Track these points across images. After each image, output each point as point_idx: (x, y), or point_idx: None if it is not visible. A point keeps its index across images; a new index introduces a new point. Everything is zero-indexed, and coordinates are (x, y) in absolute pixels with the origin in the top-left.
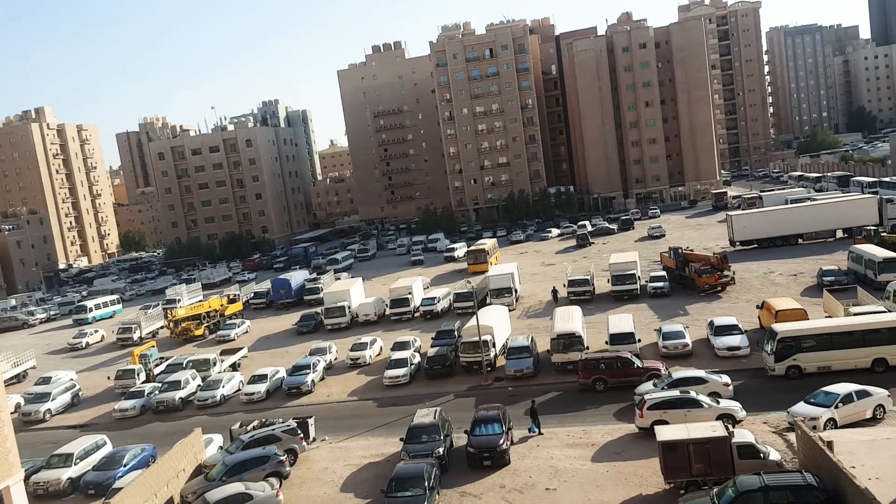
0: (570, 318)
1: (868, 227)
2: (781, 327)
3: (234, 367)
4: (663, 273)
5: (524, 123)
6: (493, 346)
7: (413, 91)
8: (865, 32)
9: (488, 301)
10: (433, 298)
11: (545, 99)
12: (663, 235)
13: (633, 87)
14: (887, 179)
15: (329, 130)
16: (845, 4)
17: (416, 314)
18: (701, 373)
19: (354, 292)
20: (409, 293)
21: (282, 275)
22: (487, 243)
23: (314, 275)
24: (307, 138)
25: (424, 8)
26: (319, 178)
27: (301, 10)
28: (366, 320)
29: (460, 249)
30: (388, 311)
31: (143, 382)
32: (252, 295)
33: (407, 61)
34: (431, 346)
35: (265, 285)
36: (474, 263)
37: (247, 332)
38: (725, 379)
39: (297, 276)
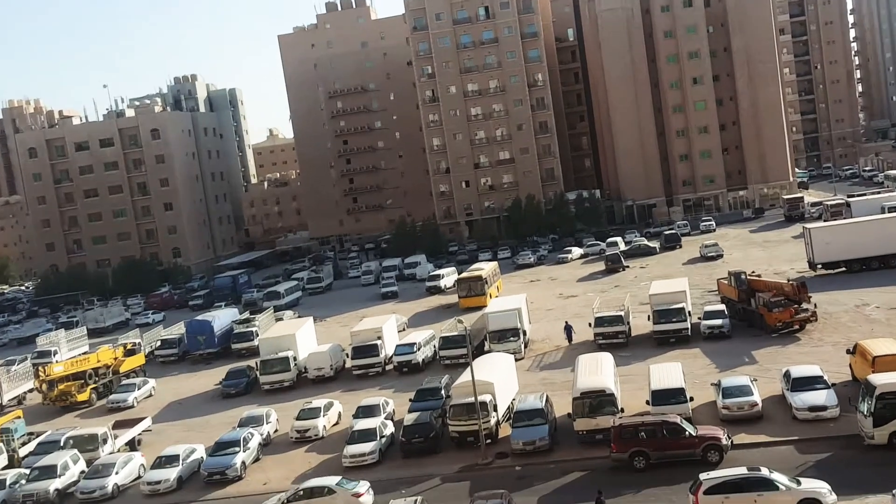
0: (598, 370)
1: None
2: (882, 379)
3: (133, 444)
4: (722, 307)
5: (533, 107)
6: (495, 409)
7: (382, 63)
8: None
9: (487, 347)
10: (411, 345)
11: (560, 74)
12: (721, 256)
13: (676, 58)
14: None
15: (267, 116)
16: None
17: (389, 367)
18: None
19: (302, 338)
20: (379, 338)
21: (201, 315)
22: (485, 268)
23: (246, 314)
24: (237, 127)
25: None
26: (254, 181)
27: None
28: (318, 376)
29: (448, 277)
30: (349, 364)
31: (4, 468)
32: (159, 344)
33: (374, 23)
34: (409, 412)
35: (177, 330)
36: (468, 296)
37: (150, 395)
38: None
39: (221, 317)
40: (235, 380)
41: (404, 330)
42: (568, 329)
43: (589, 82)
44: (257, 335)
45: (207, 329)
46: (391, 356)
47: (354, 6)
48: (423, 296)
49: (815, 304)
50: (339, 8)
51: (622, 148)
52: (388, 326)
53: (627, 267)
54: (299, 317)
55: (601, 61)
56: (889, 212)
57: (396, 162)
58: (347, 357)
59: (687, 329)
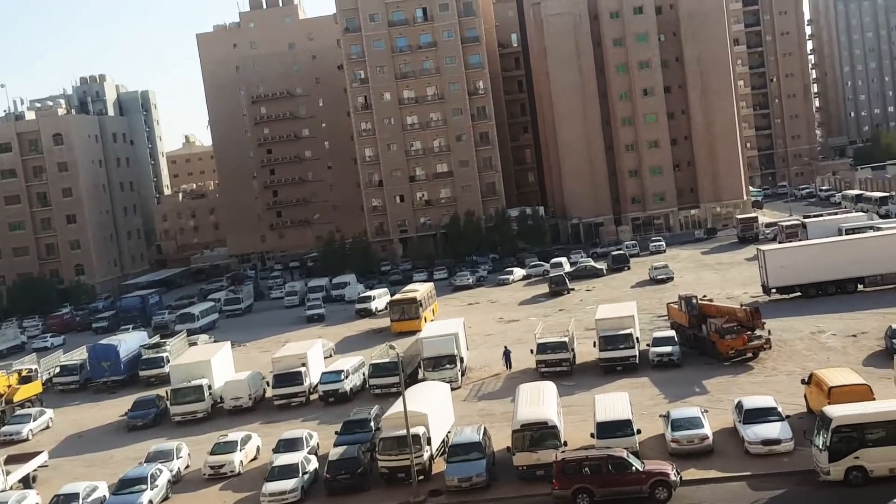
0: (539, 400)
1: None
2: (838, 411)
3: (28, 481)
4: (671, 333)
5: (473, 116)
6: (429, 442)
7: (311, 67)
8: None
9: (421, 375)
10: (338, 373)
11: (503, 82)
12: (671, 279)
13: (625, 67)
14: None
15: (184, 122)
16: None
17: (313, 396)
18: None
19: (218, 364)
20: (303, 365)
21: (105, 339)
22: (420, 290)
23: (156, 338)
24: (150, 133)
25: None
26: (168, 192)
27: None
28: (235, 407)
29: (380, 299)
30: (269, 393)
31: None
32: (58, 370)
33: (302, 23)
34: (335, 445)
35: (79, 355)
36: (401, 320)
37: (48, 427)
38: None
39: (129, 341)
40: (143, 410)
41: (331, 356)
42: (506, 354)
43: (533, 91)
44: (168, 361)
45: (112, 354)
46: (316, 385)
47: (281, 4)
48: (352, 319)
49: (769, 331)
50: (265, 6)
51: (568, 162)
52: (314, 352)
53: (572, 290)
54: (215, 341)
55: (547, 69)
56: (847, 234)
57: (325, 173)
58: (268, 385)
59: (635, 357)
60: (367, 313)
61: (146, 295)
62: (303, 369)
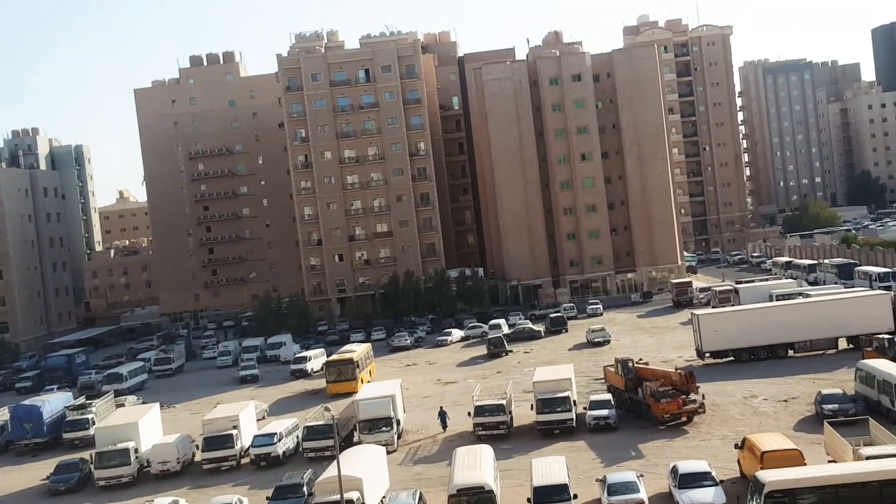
0: (476, 464)
1: (880, 335)
2: (769, 476)
3: None
4: (608, 397)
5: (414, 177)
6: None
7: (251, 124)
8: (868, 73)
9: (357, 438)
10: (271, 435)
11: (444, 144)
12: (608, 342)
13: (564, 132)
14: None
15: (118, 177)
16: (841, 38)
17: (245, 460)
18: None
19: (146, 427)
20: (234, 427)
21: (28, 399)
22: (357, 350)
23: (81, 399)
24: (82, 188)
25: (270, 7)
26: (99, 248)
27: None
28: (163, 471)
29: (316, 360)
30: (199, 456)
31: None
32: None
33: (243, 80)
34: None
35: (0, 416)
36: (337, 381)
37: None
38: None
39: (53, 402)
40: (66, 474)
41: (264, 418)
42: (442, 415)
43: (474, 154)
44: (94, 423)
45: (35, 415)
46: (248, 448)
47: (222, 62)
48: (287, 380)
49: (704, 395)
50: (205, 62)
51: (507, 224)
52: (246, 414)
53: (511, 351)
54: (144, 402)
55: (487, 133)
56: (777, 300)
57: (263, 231)
58: (197, 449)
59: (572, 420)
60: (303, 374)
61: (73, 354)
62: (234, 432)
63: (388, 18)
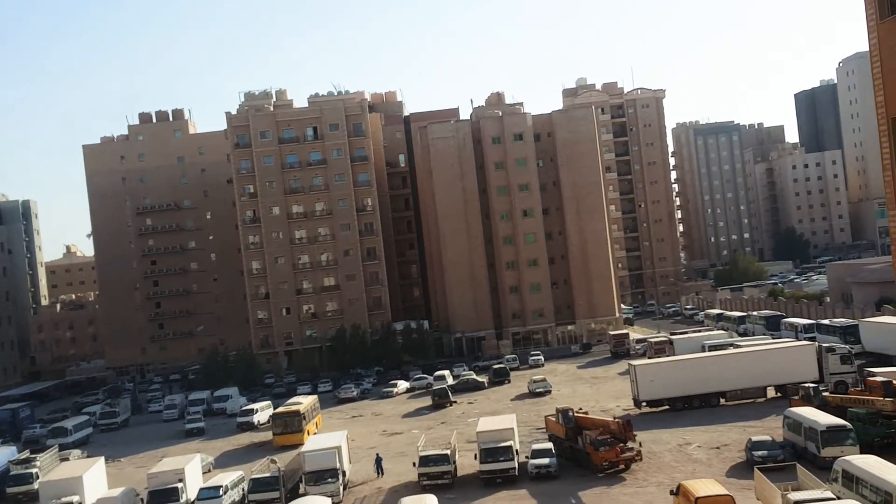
0: None
1: (806, 384)
2: None
3: None
4: (549, 445)
5: (361, 232)
6: None
7: (199, 180)
8: (792, 135)
9: (303, 490)
10: (217, 488)
11: (391, 200)
12: (549, 392)
13: (506, 189)
14: (826, 322)
15: (65, 232)
16: (766, 103)
17: None
18: None
19: (91, 481)
20: (180, 480)
21: None
22: (304, 402)
23: (26, 454)
24: (29, 242)
25: (219, 65)
26: (45, 302)
27: (31, 54)
28: None
29: (263, 412)
30: None
31: None
32: None
33: (192, 137)
34: None
35: None
36: (283, 433)
37: None
38: None
39: None
40: None
41: (210, 471)
42: (378, 462)
43: (420, 209)
44: (37, 477)
45: None
46: (193, 501)
47: (171, 119)
48: (233, 433)
49: (640, 443)
50: (154, 119)
51: (452, 278)
52: (192, 467)
53: (455, 402)
54: (88, 456)
55: (432, 189)
56: (709, 351)
57: (211, 285)
58: (143, 503)
59: (514, 468)
60: (249, 427)
61: (17, 408)
62: (179, 485)
63: (336, 78)
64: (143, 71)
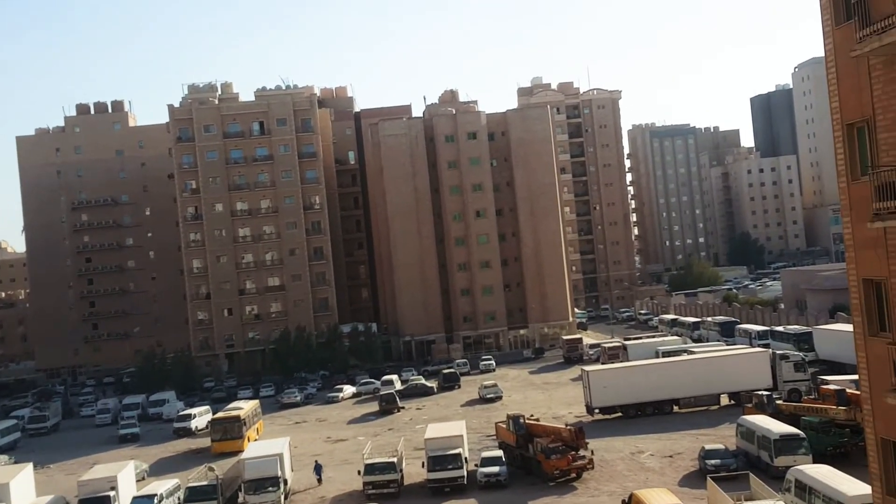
0: None
1: (760, 392)
2: None
3: None
4: (499, 453)
5: (308, 231)
6: None
7: (139, 174)
8: (747, 139)
9: (242, 499)
10: (151, 497)
11: (339, 198)
12: (500, 398)
13: (459, 189)
14: (780, 328)
15: None
16: (722, 106)
17: None
18: None
19: (18, 488)
20: (112, 488)
21: None
22: (244, 408)
23: None
24: None
25: (162, 56)
26: None
27: None
28: None
29: (201, 417)
30: None
31: None
32: None
33: (132, 130)
34: None
35: None
36: (222, 439)
37: None
38: None
39: None
40: None
41: (144, 479)
42: (318, 468)
43: (369, 208)
44: None
45: None
46: None
47: (111, 110)
48: (169, 439)
49: (593, 451)
50: (92, 111)
51: (402, 279)
52: (125, 475)
53: (403, 408)
54: (15, 462)
55: (383, 187)
56: (663, 357)
57: (148, 285)
58: None
59: (463, 477)
60: (187, 433)
61: None
62: (112, 493)
63: (284, 72)
64: (81, 61)
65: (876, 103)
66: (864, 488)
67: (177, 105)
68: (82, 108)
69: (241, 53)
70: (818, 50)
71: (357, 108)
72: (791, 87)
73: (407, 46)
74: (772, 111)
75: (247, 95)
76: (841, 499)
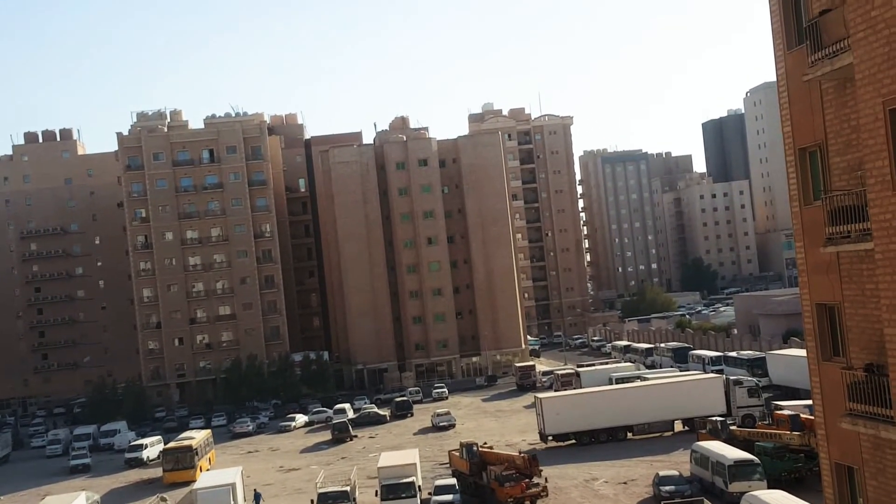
0: None
1: (714, 418)
2: None
3: None
4: (453, 481)
5: (259, 259)
6: None
7: (88, 203)
8: (699, 164)
9: None
10: None
11: (290, 226)
12: (453, 426)
13: (410, 216)
14: (733, 354)
15: None
16: (674, 132)
17: None
18: None
19: None
20: None
21: None
22: (196, 437)
23: None
24: None
25: (110, 84)
26: None
27: None
28: None
29: (152, 447)
30: None
31: None
32: None
33: (80, 158)
34: None
35: None
36: (174, 469)
37: None
38: None
39: None
40: None
41: None
42: (256, 497)
43: (321, 236)
44: None
45: None
46: None
47: (59, 138)
48: (121, 469)
49: (546, 479)
50: (41, 139)
51: (353, 307)
52: None
53: (356, 436)
54: None
55: (334, 215)
56: (616, 383)
57: (98, 314)
58: None
59: None
60: (138, 463)
61: None
62: None
63: (233, 99)
64: (28, 88)
65: (828, 127)
66: None
67: (125, 133)
68: (30, 137)
69: (190, 80)
70: (770, 75)
71: (307, 136)
72: (743, 111)
73: (357, 73)
74: (724, 136)
75: (196, 123)
76: None
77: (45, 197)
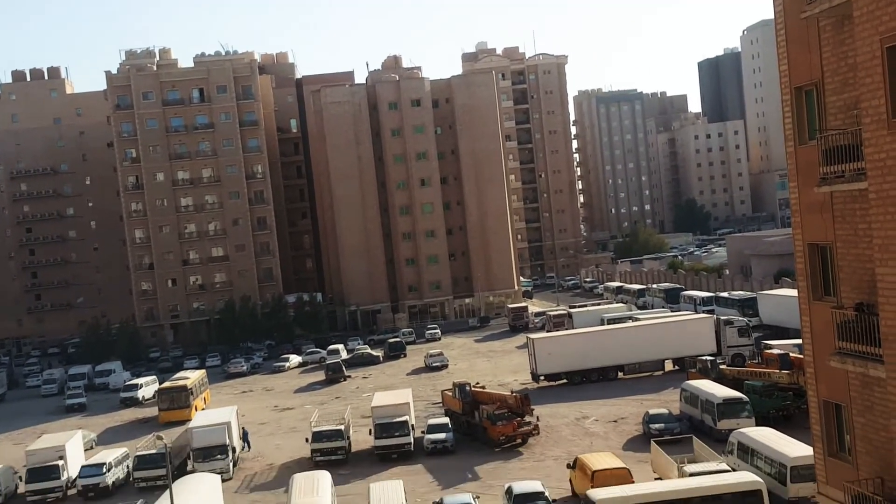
0: (314, 490)
1: (704, 357)
2: (600, 494)
3: None
4: (446, 420)
5: (251, 200)
6: None
7: (78, 143)
8: (695, 104)
9: (191, 467)
10: (100, 465)
11: (282, 167)
12: (446, 366)
13: (403, 157)
14: (725, 294)
15: None
16: (670, 71)
17: (72, 491)
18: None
19: None
20: (60, 457)
21: None
22: (191, 377)
23: None
24: None
25: (98, 20)
26: None
27: None
28: None
29: (147, 387)
30: (22, 488)
31: None
32: None
33: (70, 97)
34: None
35: None
36: (169, 409)
37: None
38: None
39: None
40: None
41: (92, 448)
42: (244, 435)
43: (313, 177)
44: None
45: None
46: (75, 479)
47: (47, 77)
48: (116, 408)
49: (538, 417)
50: (29, 77)
51: (346, 249)
52: (73, 444)
53: (349, 377)
54: None
55: (326, 156)
56: (608, 324)
57: (91, 255)
58: (21, 481)
59: (410, 444)
60: (133, 402)
61: None
62: (60, 462)
63: (223, 37)
64: (15, 25)
65: (825, 66)
66: (805, 450)
67: (114, 71)
68: (18, 75)
69: (179, 17)
70: (768, 12)
71: (299, 75)
72: (740, 50)
73: (349, 10)
74: (720, 75)
75: (186, 62)
76: (783, 460)
77: (35, 136)
